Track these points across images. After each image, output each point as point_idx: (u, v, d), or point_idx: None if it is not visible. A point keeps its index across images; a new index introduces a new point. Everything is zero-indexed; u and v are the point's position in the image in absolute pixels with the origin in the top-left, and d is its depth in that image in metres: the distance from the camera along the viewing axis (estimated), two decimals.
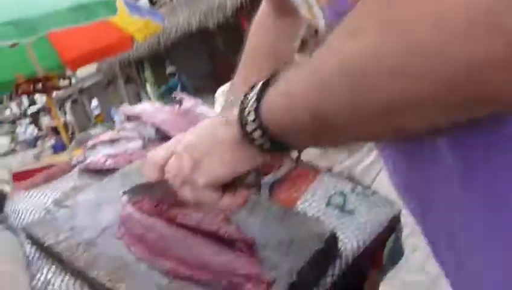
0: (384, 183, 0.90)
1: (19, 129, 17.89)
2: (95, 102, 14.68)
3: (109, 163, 1.07)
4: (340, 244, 0.69)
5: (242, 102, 0.42)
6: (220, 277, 0.60)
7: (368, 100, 0.32)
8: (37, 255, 0.82)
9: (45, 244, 0.77)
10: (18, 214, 0.97)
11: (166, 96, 9.36)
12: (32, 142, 6.24)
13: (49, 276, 0.76)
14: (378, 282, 0.80)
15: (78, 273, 0.72)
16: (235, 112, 0.43)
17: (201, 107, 1.17)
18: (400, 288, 2.13)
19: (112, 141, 1.16)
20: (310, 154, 0.93)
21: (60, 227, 0.81)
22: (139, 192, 0.74)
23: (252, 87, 0.42)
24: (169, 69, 10.01)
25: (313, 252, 0.63)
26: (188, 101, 1.23)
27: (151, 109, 1.18)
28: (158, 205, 0.73)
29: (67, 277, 0.74)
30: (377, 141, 0.44)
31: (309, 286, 0.63)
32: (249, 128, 0.41)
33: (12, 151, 12.67)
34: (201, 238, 0.66)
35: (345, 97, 0.33)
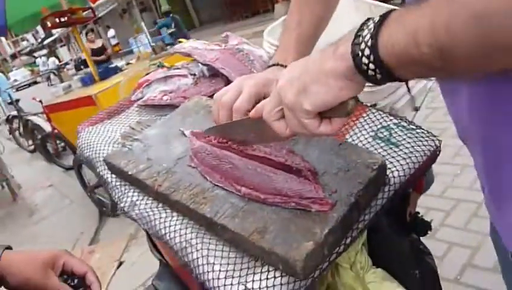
0: (421, 119, 0.98)
1: (39, 60, 17.91)
2: (111, 32, 14.49)
3: (166, 99, 1.16)
4: (388, 172, 0.79)
5: (355, 39, 0.47)
6: (290, 201, 0.71)
7: (496, 38, 0.36)
8: (118, 182, 0.95)
9: (128, 173, 0.89)
10: (91, 147, 1.08)
11: (157, 33, 9.97)
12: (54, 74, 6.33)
13: (134, 199, 0.89)
14: (416, 203, 0.91)
15: (161, 197, 0.84)
16: (344, 47, 0.49)
17: (247, 46, 1.23)
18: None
19: (165, 79, 1.24)
20: None
21: (137, 158, 0.92)
22: (213, 131, 0.83)
23: (361, 27, 0.47)
24: (164, 8, 10.48)
25: (367, 178, 0.73)
26: (234, 39, 1.29)
27: (200, 47, 1.25)
28: (227, 141, 0.82)
29: (150, 200, 0.87)
30: (483, 75, 0.46)
31: (363, 207, 0.74)
32: (364, 60, 0.46)
33: (35, 83, 12.75)
34: (270, 168, 0.76)
35: (471, 34, 0.37)
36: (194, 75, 1.25)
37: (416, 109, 0.59)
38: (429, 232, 0.92)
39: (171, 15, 10.41)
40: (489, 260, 1.96)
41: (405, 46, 0.43)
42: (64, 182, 5.14)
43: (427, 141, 0.84)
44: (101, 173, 1.01)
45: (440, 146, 0.84)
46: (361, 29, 0.48)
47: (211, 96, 1.13)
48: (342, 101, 0.53)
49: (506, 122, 0.52)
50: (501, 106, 0.52)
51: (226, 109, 0.78)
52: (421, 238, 0.97)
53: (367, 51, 0.46)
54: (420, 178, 0.84)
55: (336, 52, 0.51)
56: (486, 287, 1.86)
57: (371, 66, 0.46)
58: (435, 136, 0.85)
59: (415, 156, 0.81)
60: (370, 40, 0.46)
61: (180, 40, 4.18)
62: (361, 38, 0.47)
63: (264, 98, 0.80)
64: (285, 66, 0.83)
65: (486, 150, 0.58)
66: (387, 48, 0.45)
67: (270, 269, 0.67)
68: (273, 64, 0.85)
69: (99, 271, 2.95)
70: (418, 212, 0.93)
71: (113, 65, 5.29)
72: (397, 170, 0.79)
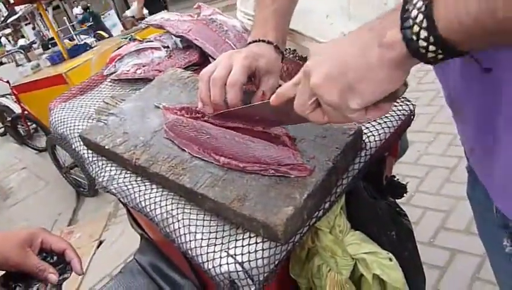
0: None
1: (4, 40, 17.23)
2: (77, 9, 14.00)
3: (140, 72, 1.14)
4: (364, 137, 0.80)
5: (402, 22, 0.43)
6: (269, 168, 0.72)
7: None
8: (95, 158, 0.94)
9: (105, 147, 0.88)
10: (65, 123, 1.06)
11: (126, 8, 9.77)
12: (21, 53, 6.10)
13: (112, 173, 0.88)
14: (392, 167, 0.93)
15: (139, 170, 0.84)
16: (391, 34, 0.44)
17: (221, 16, 1.21)
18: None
19: (138, 52, 1.22)
20: None
21: (114, 132, 0.91)
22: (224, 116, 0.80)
23: (405, 7, 0.43)
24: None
25: (344, 144, 0.74)
26: (207, 10, 1.27)
27: (172, 18, 1.22)
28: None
29: (129, 174, 0.87)
30: None
31: (341, 172, 0.75)
32: (422, 44, 0.42)
33: (0, 64, 12.30)
34: (248, 137, 0.77)
35: None
36: (168, 47, 1.23)
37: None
38: (405, 195, 0.95)
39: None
40: (462, 222, 2.05)
41: (475, 19, 0.39)
42: (38, 164, 5.03)
43: (401, 105, 0.86)
44: (76, 149, 0.99)
45: (414, 110, 0.86)
46: (406, 10, 0.43)
47: (186, 68, 1.11)
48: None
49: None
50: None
51: (218, 86, 0.76)
52: (396, 203, 1.00)
53: (423, 33, 0.42)
54: (395, 142, 0.86)
55: (381, 41, 0.45)
56: (458, 247, 1.94)
57: (431, 47, 0.42)
58: (409, 101, 0.87)
59: (390, 121, 0.82)
60: (425, 20, 0.41)
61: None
62: (411, 20, 0.42)
63: (255, 71, 0.79)
64: (267, 42, 0.82)
65: (481, 107, 0.58)
66: (448, 26, 0.40)
67: (252, 235, 0.68)
68: (254, 41, 0.83)
69: (79, 251, 2.90)
70: (394, 176, 0.95)
71: (82, 42, 5.12)
72: (373, 135, 0.81)
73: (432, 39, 0.41)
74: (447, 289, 1.79)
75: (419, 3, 0.42)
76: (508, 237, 0.66)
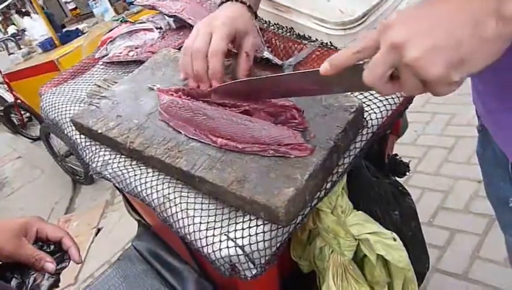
0: None
1: None
2: None
3: (132, 54, 1.11)
4: (366, 115, 0.78)
5: None
6: (268, 148, 0.69)
7: None
8: (88, 142, 0.91)
9: (98, 131, 0.85)
10: (56, 108, 1.03)
11: None
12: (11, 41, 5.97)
13: (106, 158, 0.85)
14: (393, 145, 0.91)
15: (134, 154, 0.81)
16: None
17: None
18: None
19: (130, 34, 1.18)
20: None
21: (106, 116, 0.88)
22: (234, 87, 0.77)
23: None
24: None
25: (345, 122, 0.72)
26: None
27: None
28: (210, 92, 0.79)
29: (123, 158, 0.84)
30: None
31: (343, 151, 0.73)
32: None
33: None
34: (246, 116, 0.74)
35: None
36: (160, 28, 1.19)
37: None
38: (407, 173, 0.93)
39: None
40: (460, 202, 2.04)
41: None
42: (33, 153, 4.98)
43: None
44: (68, 134, 0.96)
45: None
46: None
47: (180, 49, 1.08)
48: None
49: None
50: None
51: (200, 58, 0.76)
52: (399, 182, 0.98)
53: None
54: (397, 120, 0.84)
55: (500, 13, 0.42)
56: (457, 227, 1.93)
57: None
58: None
59: (392, 98, 0.80)
60: None
61: None
62: None
63: (235, 36, 0.78)
64: (241, 2, 0.81)
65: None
66: None
67: (252, 218, 0.66)
68: (227, 0, 0.83)
69: (77, 239, 2.90)
70: (396, 154, 0.93)
71: (73, 28, 5.04)
72: (374, 112, 0.78)
73: None
74: (447, 268, 1.79)
75: None
76: None
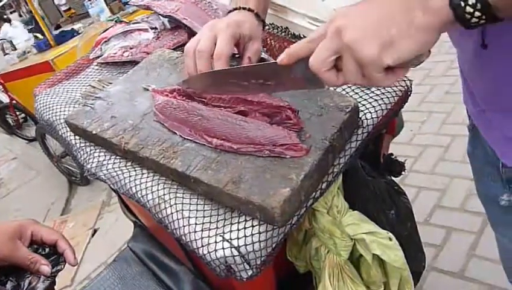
0: None
1: None
2: None
3: (127, 55, 1.11)
4: (361, 115, 0.78)
5: None
6: (263, 149, 0.69)
7: None
8: (83, 143, 0.90)
9: (92, 132, 0.84)
10: (50, 109, 1.03)
11: None
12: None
13: (101, 159, 0.85)
14: (389, 145, 0.91)
15: (129, 155, 0.81)
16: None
17: None
18: None
19: (125, 34, 1.18)
20: None
21: (101, 116, 0.88)
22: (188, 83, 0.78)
23: None
24: None
25: (340, 122, 0.72)
26: None
27: None
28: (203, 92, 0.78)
29: (118, 159, 0.84)
30: None
31: (338, 151, 0.73)
32: (468, 10, 0.44)
33: None
34: (241, 116, 0.74)
35: None
36: (155, 28, 1.19)
37: (485, 46, 0.62)
38: (403, 172, 0.93)
39: None
40: (457, 200, 2.04)
41: None
42: (28, 154, 4.96)
43: (398, 81, 0.83)
44: (63, 135, 0.96)
45: (411, 86, 0.84)
46: None
47: (175, 49, 1.08)
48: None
49: None
50: None
51: (204, 58, 0.75)
52: (394, 181, 0.98)
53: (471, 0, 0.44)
54: (393, 119, 0.84)
55: (427, 5, 0.46)
56: (454, 225, 1.94)
57: (476, 13, 0.44)
58: (405, 76, 0.84)
59: (387, 97, 0.80)
60: None
61: None
62: None
63: (239, 39, 0.77)
64: (248, 9, 0.81)
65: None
66: None
67: (248, 218, 0.66)
68: (235, 9, 0.82)
69: (74, 241, 2.91)
70: (392, 154, 0.93)
71: (68, 28, 5.01)
72: (370, 112, 0.78)
73: (478, 5, 0.43)
74: (443, 266, 1.79)
75: None
76: (510, 191, 0.69)
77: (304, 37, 0.99)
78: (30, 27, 6.63)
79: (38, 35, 5.19)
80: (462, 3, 0.44)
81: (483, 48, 0.59)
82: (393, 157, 0.94)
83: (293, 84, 0.62)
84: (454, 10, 0.45)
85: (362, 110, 0.78)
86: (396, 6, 0.49)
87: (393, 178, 0.97)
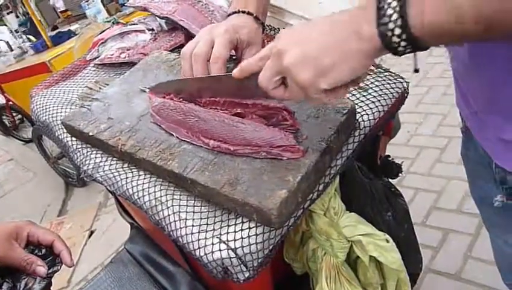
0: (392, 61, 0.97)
1: None
2: None
3: (124, 56, 1.10)
4: (358, 116, 0.78)
5: (379, 19, 0.47)
6: (260, 150, 0.69)
7: None
8: (79, 145, 0.90)
9: (89, 134, 0.84)
10: (47, 110, 1.02)
11: None
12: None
13: (97, 160, 0.85)
14: (386, 146, 0.91)
15: (126, 156, 0.80)
16: (368, 28, 0.48)
17: None
18: None
19: (122, 35, 1.17)
20: None
21: (97, 118, 0.88)
22: (170, 86, 0.79)
23: (380, 5, 0.46)
24: None
25: (337, 123, 0.72)
26: None
27: None
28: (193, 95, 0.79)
29: (115, 161, 0.83)
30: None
31: (335, 153, 0.73)
32: (395, 40, 0.46)
33: None
34: (238, 118, 0.74)
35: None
36: (152, 30, 1.19)
37: (417, 71, 0.63)
38: (400, 174, 0.93)
39: None
40: (453, 202, 2.05)
41: (445, 24, 0.44)
42: (25, 155, 4.94)
43: (395, 83, 0.83)
44: (59, 136, 0.96)
45: (408, 88, 0.84)
46: (381, 8, 0.47)
47: (172, 51, 1.08)
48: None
49: None
50: None
51: (200, 62, 0.76)
52: (391, 183, 0.98)
53: (397, 31, 0.46)
54: (389, 121, 0.84)
55: (359, 33, 0.49)
56: (450, 227, 1.94)
57: (402, 43, 0.47)
58: (402, 78, 0.85)
59: (384, 99, 0.80)
60: (400, 19, 0.45)
61: None
62: (386, 18, 0.46)
63: (237, 44, 0.77)
64: (247, 13, 0.81)
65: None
66: (420, 26, 0.45)
67: (244, 220, 0.66)
68: (234, 12, 0.82)
69: (70, 242, 2.90)
70: (389, 156, 0.93)
71: (65, 29, 5.00)
72: (367, 114, 0.78)
73: (404, 36, 0.46)
74: (440, 268, 1.79)
75: (394, 3, 0.46)
76: (503, 192, 0.69)
77: None
78: (23, 29, 6.55)
79: (31, 37, 5.18)
80: (389, 33, 0.46)
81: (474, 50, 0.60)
82: (390, 159, 0.94)
83: (252, 94, 0.67)
84: (383, 39, 0.47)
85: (359, 112, 0.78)
86: (332, 36, 0.52)
87: (390, 180, 0.97)
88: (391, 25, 0.46)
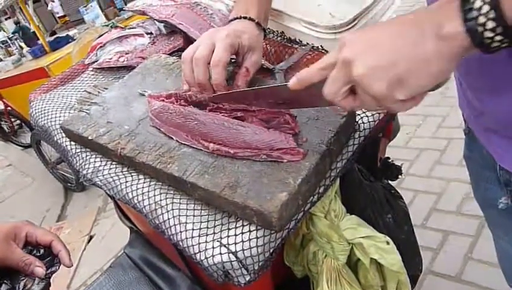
0: None
1: None
2: (55, 2, 13.67)
3: (123, 60, 1.10)
4: (358, 119, 0.78)
5: (465, 14, 0.42)
6: (260, 153, 0.69)
7: None
8: (78, 149, 0.90)
9: (88, 138, 0.84)
10: (46, 115, 1.02)
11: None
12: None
13: (97, 165, 0.84)
14: (386, 148, 0.91)
15: (125, 160, 0.80)
16: (452, 26, 0.43)
17: (205, 0, 1.17)
18: None
19: (120, 39, 1.17)
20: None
21: (97, 122, 0.87)
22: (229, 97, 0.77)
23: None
24: None
25: (337, 126, 0.71)
26: None
27: (155, 3, 1.18)
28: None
29: (114, 165, 0.83)
30: None
31: (335, 155, 0.73)
32: (488, 34, 0.42)
33: None
34: (238, 121, 0.74)
35: None
36: (151, 33, 1.19)
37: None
38: (400, 176, 0.93)
39: None
40: (453, 204, 2.05)
41: None
42: (23, 161, 4.94)
43: None
44: (58, 141, 0.95)
45: None
46: (467, 1, 0.42)
47: (170, 54, 1.08)
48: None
49: None
50: None
51: (201, 65, 0.76)
52: (391, 185, 0.98)
53: (490, 24, 0.41)
54: (389, 123, 0.84)
55: (439, 33, 0.44)
56: (450, 229, 1.94)
57: (497, 38, 0.42)
58: None
59: None
60: (493, 11, 0.41)
61: None
62: (475, 12, 0.42)
63: (238, 48, 0.78)
64: (249, 18, 0.81)
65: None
66: None
67: (245, 223, 0.66)
68: (235, 18, 0.82)
69: (70, 247, 2.87)
70: (389, 158, 0.93)
71: (64, 34, 5.01)
72: (366, 116, 0.78)
73: (499, 29, 0.41)
74: (440, 270, 1.79)
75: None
76: (507, 194, 0.68)
77: (300, 41, 1.00)
78: (16, 37, 6.47)
79: (23, 45, 5.18)
80: (480, 29, 0.42)
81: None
82: (390, 161, 0.94)
83: (306, 104, 0.64)
84: (472, 36, 0.43)
85: (359, 114, 0.78)
86: (405, 39, 0.46)
87: (390, 182, 0.97)
88: (482, 19, 0.41)
